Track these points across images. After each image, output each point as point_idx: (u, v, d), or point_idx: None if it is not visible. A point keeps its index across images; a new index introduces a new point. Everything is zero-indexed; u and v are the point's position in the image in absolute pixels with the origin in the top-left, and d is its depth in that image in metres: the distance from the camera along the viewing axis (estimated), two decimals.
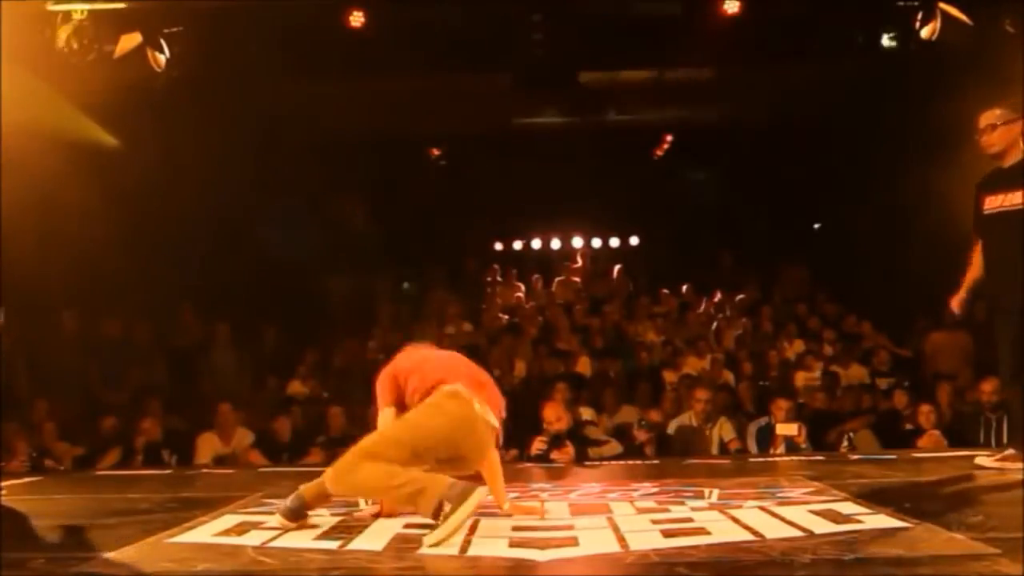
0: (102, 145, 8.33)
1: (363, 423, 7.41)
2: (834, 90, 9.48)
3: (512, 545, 2.96)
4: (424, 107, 10.11)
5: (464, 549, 2.92)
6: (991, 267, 4.64)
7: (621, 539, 2.98)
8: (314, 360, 9.23)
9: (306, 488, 3.47)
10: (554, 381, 7.66)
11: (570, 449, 6.02)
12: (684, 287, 11.27)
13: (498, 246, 13.35)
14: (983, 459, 4.79)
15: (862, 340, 9.60)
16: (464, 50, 8.80)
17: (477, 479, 4.05)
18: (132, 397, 8.04)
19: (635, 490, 4.20)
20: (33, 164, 6.87)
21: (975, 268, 4.78)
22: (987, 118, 4.64)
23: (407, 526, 3.34)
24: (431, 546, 2.95)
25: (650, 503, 3.81)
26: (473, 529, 3.25)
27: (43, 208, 7.22)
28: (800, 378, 8.47)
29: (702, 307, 10.86)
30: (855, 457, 6.04)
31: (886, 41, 8.37)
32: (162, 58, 8.04)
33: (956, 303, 4.88)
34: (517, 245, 13.46)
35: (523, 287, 11.85)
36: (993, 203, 4.62)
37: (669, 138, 12.03)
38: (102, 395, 8.21)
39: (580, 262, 12.62)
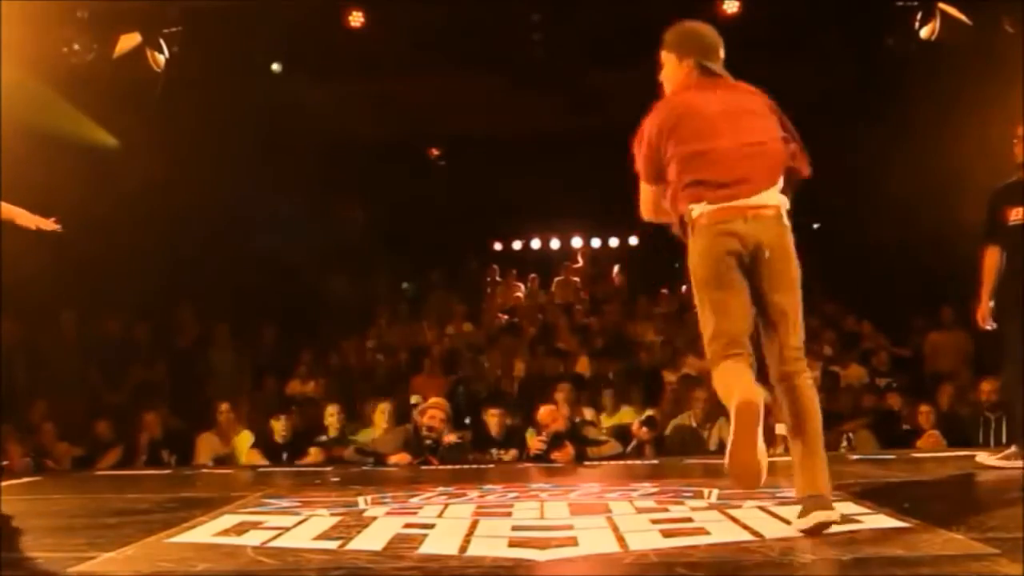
0: (102, 145, 8.33)
1: (364, 422, 7.47)
2: (833, 89, 9.48)
3: (512, 545, 2.96)
4: (424, 107, 10.11)
5: (464, 549, 2.92)
6: (1018, 276, 4.60)
7: (620, 539, 2.98)
8: (313, 360, 9.23)
9: None
10: (554, 381, 7.66)
11: (569, 449, 6.03)
12: (684, 287, 11.27)
13: (498, 246, 13.35)
14: (984, 457, 4.77)
15: (862, 340, 9.59)
16: (464, 50, 8.81)
17: None
18: (132, 397, 8.04)
19: (634, 490, 4.20)
20: (33, 164, 6.86)
21: (990, 277, 4.73)
22: None
23: (407, 526, 3.34)
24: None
25: (649, 503, 3.81)
26: (472, 529, 3.25)
27: (42, 208, 7.20)
28: None
29: None
30: (855, 457, 6.04)
31: None
32: (162, 58, 8.05)
33: (983, 318, 4.77)
34: (517, 245, 13.47)
35: (523, 287, 11.85)
36: (1019, 215, 4.61)
37: None
38: (102, 395, 8.22)
39: (580, 262, 12.62)
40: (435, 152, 12.39)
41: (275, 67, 8.71)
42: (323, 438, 7.12)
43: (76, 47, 7.57)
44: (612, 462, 6.09)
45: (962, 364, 8.25)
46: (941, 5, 7.94)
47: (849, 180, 10.40)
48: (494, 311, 11.03)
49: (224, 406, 7.18)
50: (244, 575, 2.69)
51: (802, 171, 3.17)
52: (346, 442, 6.81)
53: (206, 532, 3.33)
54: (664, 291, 11.20)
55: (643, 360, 9.23)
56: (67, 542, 3.25)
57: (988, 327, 4.76)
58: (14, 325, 7.75)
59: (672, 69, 3.26)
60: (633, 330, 10.05)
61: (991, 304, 4.74)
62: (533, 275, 11.95)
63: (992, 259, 4.73)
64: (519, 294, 11.70)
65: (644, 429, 6.78)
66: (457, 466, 5.91)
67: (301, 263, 10.34)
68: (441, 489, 4.45)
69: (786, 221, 3.09)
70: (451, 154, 12.32)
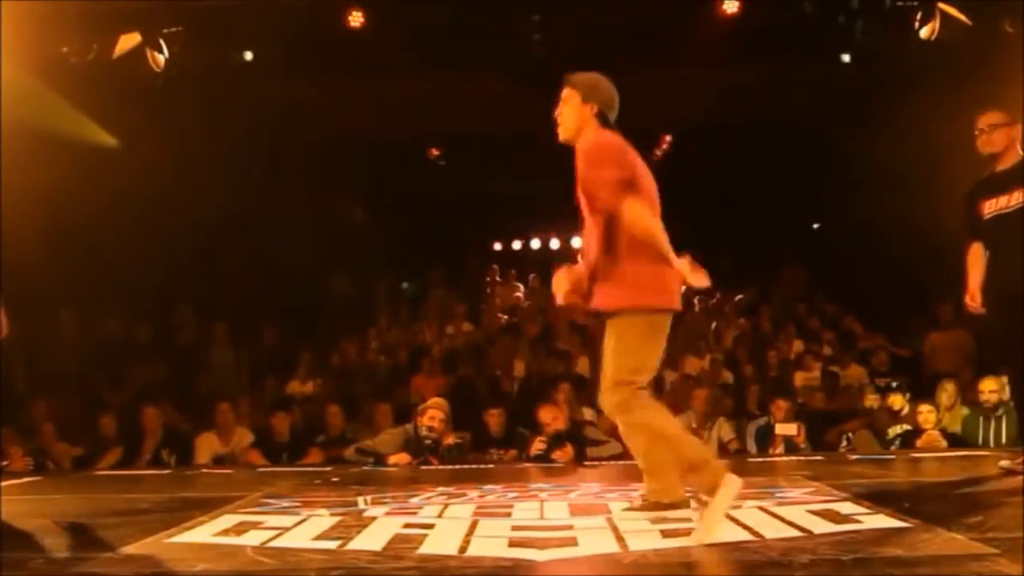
0: (102, 145, 8.33)
1: (364, 422, 7.47)
2: (833, 90, 9.48)
3: (511, 545, 2.97)
4: (424, 107, 10.10)
5: (463, 549, 2.92)
6: (1003, 267, 4.56)
7: (620, 539, 2.98)
8: (313, 360, 9.22)
9: None
10: (554, 381, 7.65)
11: (569, 449, 6.03)
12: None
13: (498, 246, 13.35)
14: (1006, 463, 4.68)
15: (861, 340, 9.60)
16: (464, 50, 8.80)
17: None
18: (132, 397, 8.04)
19: (634, 490, 4.19)
20: (33, 164, 6.87)
21: (977, 271, 4.67)
22: (988, 119, 4.65)
23: (407, 526, 3.34)
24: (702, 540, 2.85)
25: None
26: (472, 529, 3.25)
27: (43, 208, 7.22)
28: (799, 378, 8.47)
29: (700, 307, 10.85)
30: (854, 457, 6.04)
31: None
32: (161, 58, 8.05)
33: (972, 296, 4.63)
34: (517, 245, 13.47)
35: (523, 287, 11.85)
36: (993, 206, 4.59)
37: (669, 138, 12.03)
38: (102, 395, 8.21)
39: (579, 262, 12.60)
40: (435, 152, 12.39)
41: (246, 56, 8.66)
42: (323, 438, 7.12)
43: (76, 47, 7.58)
44: (612, 462, 6.09)
45: (962, 363, 8.23)
46: (941, 5, 7.94)
47: (848, 180, 10.43)
48: (494, 311, 11.02)
49: (224, 406, 7.18)
50: (244, 575, 2.69)
51: None
52: (346, 442, 6.81)
53: (206, 532, 3.33)
54: None
55: None
56: (67, 542, 3.25)
57: (976, 307, 4.65)
58: (14, 325, 7.74)
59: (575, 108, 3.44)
60: None
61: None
62: (533, 275, 11.94)
63: (975, 255, 4.68)
64: (519, 294, 11.70)
65: None
66: (457, 466, 5.91)
67: (301, 263, 10.34)
68: (441, 489, 4.45)
69: None
70: (451, 154, 12.32)
